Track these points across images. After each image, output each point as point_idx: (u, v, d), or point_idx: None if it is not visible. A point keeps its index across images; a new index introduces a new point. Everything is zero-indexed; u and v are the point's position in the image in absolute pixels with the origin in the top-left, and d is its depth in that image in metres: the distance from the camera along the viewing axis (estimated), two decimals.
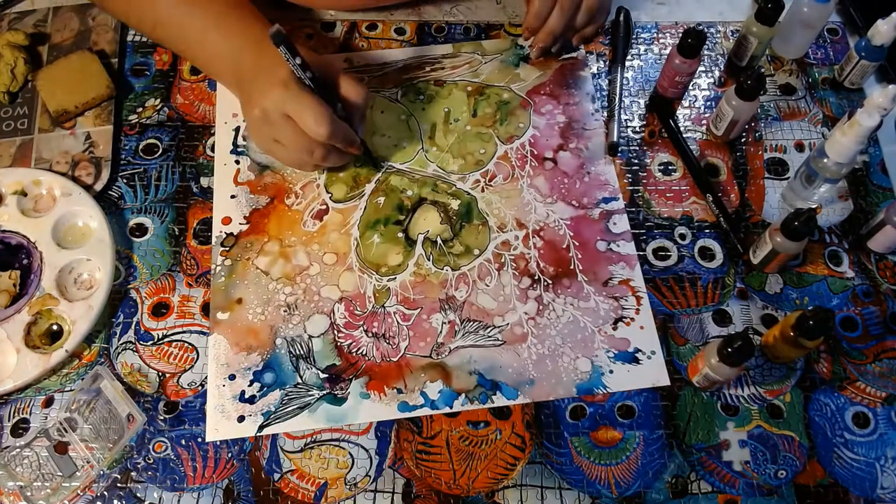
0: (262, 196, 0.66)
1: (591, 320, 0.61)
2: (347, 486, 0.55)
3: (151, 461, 0.56)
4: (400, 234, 0.64)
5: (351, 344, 0.60)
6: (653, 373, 0.59)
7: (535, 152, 0.68)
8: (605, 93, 0.72)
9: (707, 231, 0.65)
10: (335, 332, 0.60)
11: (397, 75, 0.73)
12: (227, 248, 0.64)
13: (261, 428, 0.57)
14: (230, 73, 0.63)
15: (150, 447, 0.56)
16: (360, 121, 0.62)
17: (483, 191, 0.67)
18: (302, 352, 0.59)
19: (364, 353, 0.60)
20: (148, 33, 0.67)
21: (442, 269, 0.63)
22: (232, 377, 0.58)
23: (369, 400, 0.58)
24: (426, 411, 0.57)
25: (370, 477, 0.56)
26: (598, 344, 0.60)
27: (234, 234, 0.64)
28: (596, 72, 0.73)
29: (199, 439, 0.57)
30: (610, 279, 0.63)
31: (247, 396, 0.58)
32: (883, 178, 0.68)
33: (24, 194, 0.65)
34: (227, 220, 0.65)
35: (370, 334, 0.60)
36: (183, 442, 0.57)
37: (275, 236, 0.64)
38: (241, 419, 0.57)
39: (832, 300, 0.62)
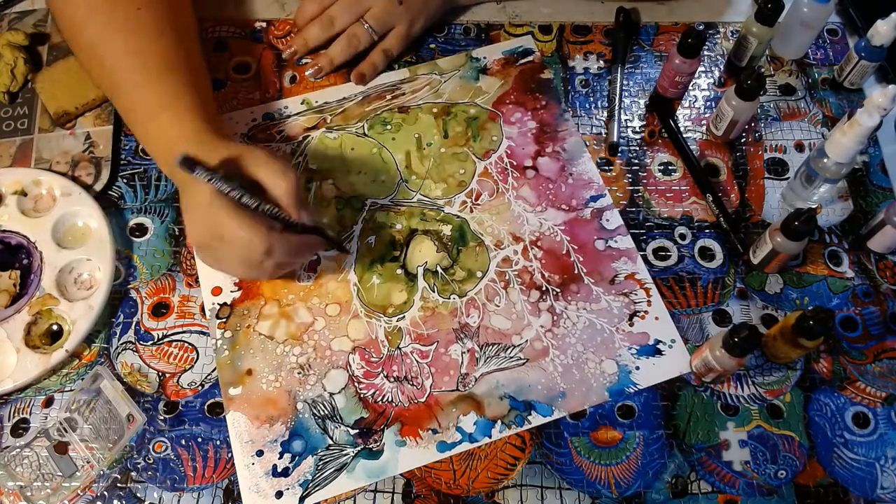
0: None
1: (607, 321, 0.61)
2: None
3: (151, 461, 0.56)
4: (399, 271, 0.63)
5: (374, 393, 0.58)
6: (677, 362, 0.59)
7: (515, 163, 0.68)
8: (604, 93, 0.72)
9: (707, 231, 0.65)
10: (355, 384, 0.58)
11: (359, 108, 0.70)
12: (224, 320, 0.60)
13: (302, 500, 0.54)
14: (168, 172, 0.59)
15: (150, 447, 0.56)
16: (299, 208, 0.53)
17: (472, 211, 0.65)
18: (326, 412, 0.57)
19: (390, 399, 0.58)
20: (109, 98, 0.61)
21: (449, 298, 0.62)
22: (260, 453, 0.56)
23: (406, 447, 0.56)
24: (466, 446, 0.56)
25: None
26: (618, 343, 0.60)
27: (228, 303, 0.61)
28: (596, 72, 0.73)
29: (199, 439, 0.57)
30: (616, 276, 0.63)
31: (279, 470, 0.55)
32: (883, 179, 0.68)
33: (24, 194, 0.65)
34: (217, 291, 0.62)
35: (392, 379, 0.58)
36: (183, 442, 0.56)
37: (271, 298, 0.61)
38: (279, 495, 0.54)
39: (832, 300, 0.62)
